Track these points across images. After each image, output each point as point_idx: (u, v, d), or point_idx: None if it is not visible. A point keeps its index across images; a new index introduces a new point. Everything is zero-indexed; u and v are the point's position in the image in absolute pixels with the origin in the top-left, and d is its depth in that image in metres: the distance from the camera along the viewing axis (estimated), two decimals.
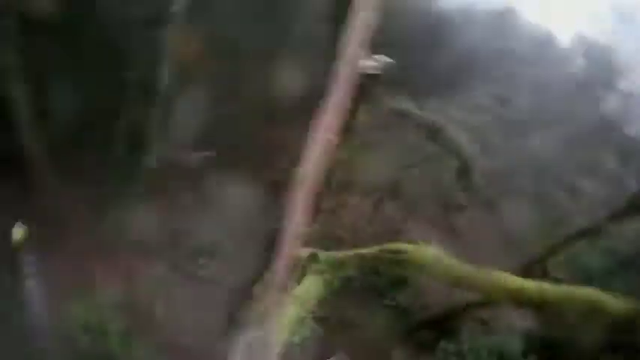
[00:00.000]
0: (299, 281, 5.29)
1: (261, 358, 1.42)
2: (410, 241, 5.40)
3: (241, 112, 16.46)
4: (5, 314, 10.35)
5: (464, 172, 16.00)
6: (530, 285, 4.00)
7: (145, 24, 13.42)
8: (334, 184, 6.75)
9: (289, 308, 4.49)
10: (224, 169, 15.63)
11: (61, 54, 12.93)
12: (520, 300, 3.92)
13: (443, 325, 14.20)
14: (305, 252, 5.46)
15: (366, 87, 5.69)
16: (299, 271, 5.42)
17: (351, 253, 5.56)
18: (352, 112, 5.86)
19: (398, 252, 4.81)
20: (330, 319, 13.78)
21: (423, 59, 26.31)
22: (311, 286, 5.23)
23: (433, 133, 13.59)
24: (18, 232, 12.10)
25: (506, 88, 19.68)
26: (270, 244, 7.89)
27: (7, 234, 12.00)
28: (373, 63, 5.55)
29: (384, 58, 5.76)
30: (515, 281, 4.20)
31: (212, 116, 15.94)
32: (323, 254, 5.55)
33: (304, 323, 4.41)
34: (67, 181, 13.54)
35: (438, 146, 14.60)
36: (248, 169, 15.19)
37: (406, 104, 14.86)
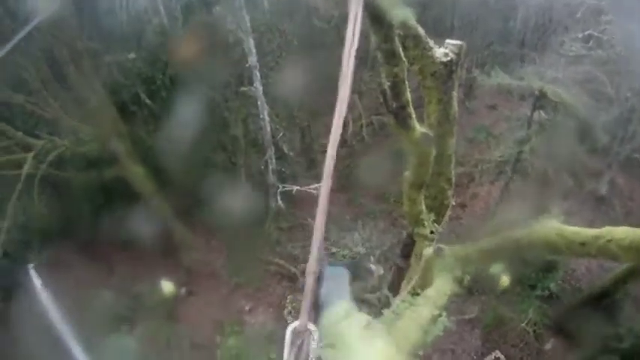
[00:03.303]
0: (428, 277, 5.24)
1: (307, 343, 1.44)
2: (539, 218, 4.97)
3: None
4: None
5: (584, 131, 14.52)
6: None
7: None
8: (455, 177, 6.62)
9: (422, 309, 4.46)
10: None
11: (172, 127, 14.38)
12: None
13: (597, 308, 12.97)
14: (431, 249, 5.41)
15: (445, 74, 5.59)
16: (427, 268, 5.38)
17: (473, 247, 5.33)
18: (446, 103, 5.78)
19: (520, 237, 4.49)
20: (485, 317, 13.58)
21: (501, 30, 24.90)
22: (441, 285, 5.13)
23: (539, 99, 12.57)
24: (166, 286, 13.72)
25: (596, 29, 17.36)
26: (405, 253, 7.99)
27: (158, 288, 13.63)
28: (444, 50, 5.44)
29: (454, 43, 5.62)
30: None
31: None
32: (449, 249, 5.41)
33: (437, 322, 4.33)
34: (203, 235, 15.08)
35: (548, 112, 13.46)
36: None
37: (502, 77, 13.99)
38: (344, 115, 1.69)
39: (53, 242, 14.03)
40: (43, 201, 13.47)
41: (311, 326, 1.54)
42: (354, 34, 1.73)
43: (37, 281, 10.91)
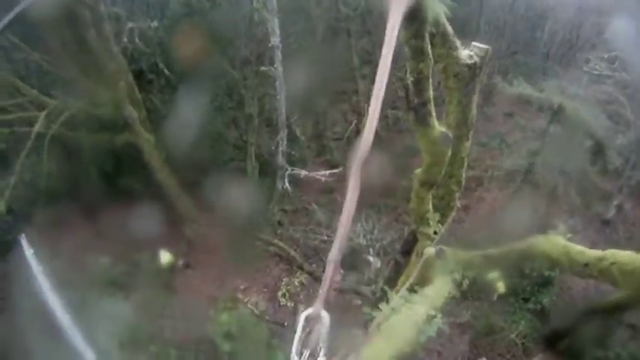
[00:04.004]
0: (426, 276, 5.25)
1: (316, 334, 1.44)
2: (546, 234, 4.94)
3: None
4: None
5: (598, 152, 14.36)
6: None
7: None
8: (465, 180, 6.59)
9: (418, 307, 4.47)
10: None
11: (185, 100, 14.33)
12: None
13: (589, 329, 12.89)
14: (432, 249, 5.42)
15: (468, 76, 5.53)
16: (428, 268, 5.39)
17: (477, 252, 5.32)
18: (465, 106, 5.74)
19: (525, 250, 4.47)
20: (476, 323, 13.55)
21: (527, 40, 24.60)
22: (441, 287, 5.14)
23: (557, 113, 12.46)
24: (165, 256, 13.80)
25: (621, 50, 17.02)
26: (405, 249, 8.00)
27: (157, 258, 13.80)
28: (470, 52, 5.37)
29: (480, 46, 5.55)
30: None
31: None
32: (450, 252, 5.42)
33: (432, 323, 4.34)
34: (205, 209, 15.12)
35: (564, 128, 13.33)
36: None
37: (524, 88, 13.84)
38: (377, 116, 1.68)
39: (58, 203, 14.10)
40: (52, 161, 13.55)
41: (324, 313, 1.54)
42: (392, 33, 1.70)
43: (28, 252, 10.83)
